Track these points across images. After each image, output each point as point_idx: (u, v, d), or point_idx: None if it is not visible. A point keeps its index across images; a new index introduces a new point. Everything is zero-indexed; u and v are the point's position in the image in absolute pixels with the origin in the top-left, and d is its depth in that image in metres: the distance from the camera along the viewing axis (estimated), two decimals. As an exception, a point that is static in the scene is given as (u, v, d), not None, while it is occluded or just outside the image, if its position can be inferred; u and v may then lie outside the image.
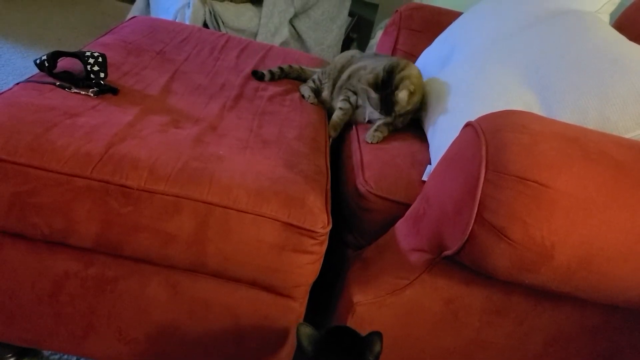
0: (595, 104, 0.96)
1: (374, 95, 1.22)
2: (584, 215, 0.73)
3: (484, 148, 0.77)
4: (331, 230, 0.96)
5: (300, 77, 1.55)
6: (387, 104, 1.22)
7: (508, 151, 0.75)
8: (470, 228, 0.77)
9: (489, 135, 0.79)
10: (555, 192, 0.72)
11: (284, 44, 2.72)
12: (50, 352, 1.15)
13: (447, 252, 0.84)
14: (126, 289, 0.97)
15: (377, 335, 0.82)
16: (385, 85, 1.23)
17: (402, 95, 1.22)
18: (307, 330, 0.85)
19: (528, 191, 0.72)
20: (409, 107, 1.25)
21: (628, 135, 0.93)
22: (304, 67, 1.56)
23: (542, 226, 0.73)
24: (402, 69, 1.27)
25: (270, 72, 1.49)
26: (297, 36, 2.80)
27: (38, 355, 1.14)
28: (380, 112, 1.24)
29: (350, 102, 1.33)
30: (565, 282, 0.78)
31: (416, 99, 1.27)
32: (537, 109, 1.02)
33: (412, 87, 1.23)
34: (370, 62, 1.38)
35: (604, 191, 0.73)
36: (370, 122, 1.31)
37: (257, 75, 1.46)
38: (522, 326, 0.93)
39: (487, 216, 0.75)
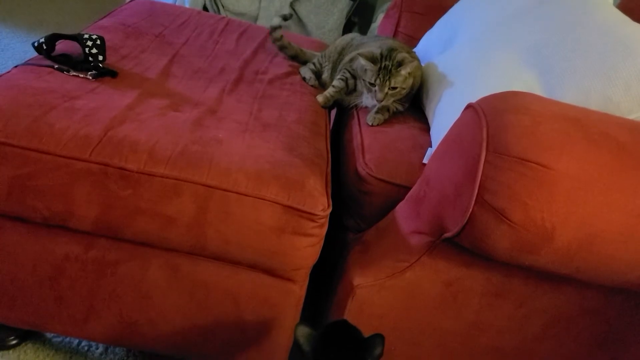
0: (598, 86, 0.95)
1: (371, 66, 1.22)
2: (584, 197, 0.72)
3: (484, 129, 0.77)
4: (332, 214, 0.95)
5: (298, 58, 1.54)
6: (384, 75, 1.22)
7: (509, 132, 0.74)
8: (471, 210, 0.77)
9: (490, 117, 0.78)
10: (556, 173, 0.71)
11: (284, 27, 2.69)
12: (52, 334, 1.16)
13: (447, 234, 0.83)
14: (127, 272, 0.97)
15: (378, 337, 0.80)
16: (384, 59, 1.23)
17: (404, 71, 1.23)
18: (304, 330, 0.82)
19: (529, 172, 0.72)
20: (403, 86, 1.25)
21: (631, 117, 0.92)
22: (303, 49, 1.56)
23: (543, 208, 0.72)
24: (407, 52, 1.28)
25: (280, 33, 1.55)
26: (298, 20, 2.78)
27: (40, 337, 1.15)
28: (371, 85, 1.24)
29: (346, 83, 1.32)
30: (565, 263, 0.78)
31: (410, 82, 1.27)
32: (538, 91, 1.01)
33: (412, 67, 1.24)
34: (372, 46, 1.37)
35: (605, 172, 0.73)
36: (367, 107, 1.31)
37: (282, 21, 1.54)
38: (522, 308, 0.94)
39: (488, 198, 0.75)
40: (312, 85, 1.41)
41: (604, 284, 0.84)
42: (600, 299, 0.92)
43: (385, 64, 1.22)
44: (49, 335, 1.16)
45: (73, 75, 1.07)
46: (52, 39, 1.14)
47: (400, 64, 1.23)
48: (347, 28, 3.03)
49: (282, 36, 1.54)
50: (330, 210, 0.94)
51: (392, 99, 1.26)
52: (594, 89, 0.95)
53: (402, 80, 1.24)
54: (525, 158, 0.72)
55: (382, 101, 1.24)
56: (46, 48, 1.12)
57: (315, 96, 1.34)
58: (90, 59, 1.12)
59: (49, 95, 0.97)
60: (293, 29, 2.76)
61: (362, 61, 1.23)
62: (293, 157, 0.99)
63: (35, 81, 1.01)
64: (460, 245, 0.84)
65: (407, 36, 1.76)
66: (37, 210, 0.90)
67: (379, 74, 1.22)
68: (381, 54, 1.23)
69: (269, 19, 2.61)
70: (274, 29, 1.54)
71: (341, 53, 1.43)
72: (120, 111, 0.98)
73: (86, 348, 1.15)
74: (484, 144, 0.76)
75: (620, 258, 0.77)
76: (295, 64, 1.53)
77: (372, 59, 1.22)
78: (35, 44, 1.13)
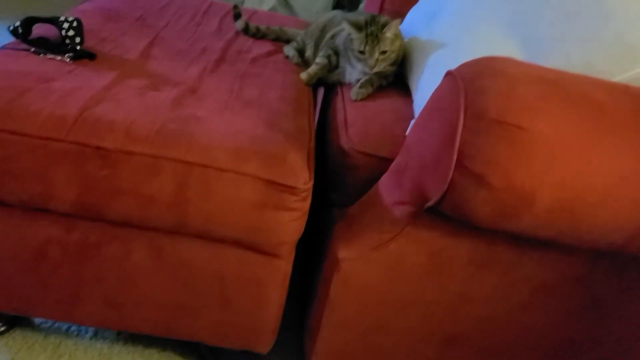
0: (579, 50, 0.94)
1: (357, 34, 1.22)
2: (563, 158, 0.72)
3: (462, 94, 0.76)
4: (317, 191, 0.94)
5: (280, 39, 1.52)
6: (372, 40, 1.22)
7: (486, 95, 0.73)
8: (450, 176, 0.76)
9: (468, 82, 0.77)
10: (534, 135, 0.71)
11: (271, 10, 2.67)
12: (40, 319, 1.15)
13: (429, 203, 0.83)
14: (109, 254, 0.96)
15: None
16: (369, 25, 1.23)
17: (389, 33, 1.23)
18: None
19: (507, 135, 0.71)
20: (392, 49, 1.24)
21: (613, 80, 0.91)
22: (284, 28, 1.54)
23: (522, 171, 0.72)
24: (386, 18, 1.28)
25: (247, 24, 1.50)
26: (285, 3, 2.75)
27: (29, 323, 1.14)
28: (361, 53, 1.23)
29: (329, 60, 1.31)
30: (548, 227, 0.78)
31: (397, 44, 1.26)
32: (521, 58, 1.00)
33: (396, 27, 1.24)
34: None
35: (584, 133, 0.72)
36: (350, 83, 1.30)
37: (236, 9, 1.51)
38: (507, 277, 0.93)
39: (467, 163, 0.74)
40: (295, 63, 1.40)
41: (589, 247, 0.84)
42: (585, 266, 0.92)
43: (372, 30, 1.21)
44: (37, 320, 1.15)
45: (50, 58, 1.06)
46: (28, 22, 1.12)
47: (384, 26, 1.22)
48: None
49: (257, 28, 1.51)
50: (312, 183, 0.93)
51: (384, 64, 1.25)
52: (576, 55, 0.94)
53: (390, 42, 1.23)
54: (503, 120, 0.71)
55: (374, 67, 1.23)
56: (22, 32, 1.11)
57: (298, 74, 1.33)
58: (67, 41, 1.11)
59: (25, 77, 0.96)
60: (280, 11, 2.73)
61: (347, 28, 1.23)
62: (274, 132, 0.98)
63: (10, 64, 1.00)
64: (443, 214, 0.84)
65: (394, 12, 1.74)
66: (15, 193, 0.89)
67: (366, 41, 1.21)
68: (365, 21, 1.23)
69: (256, 1, 2.59)
70: (244, 31, 1.52)
71: (323, 30, 1.41)
72: (97, 92, 0.97)
73: (76, 332, 1.15)
74: (462, 109, 0.75)
75: (603, 220, 0.76)
76: (280, 43, 1.51)
77: (357, 27, 1.22)
78: (11, 28, 1.11)
